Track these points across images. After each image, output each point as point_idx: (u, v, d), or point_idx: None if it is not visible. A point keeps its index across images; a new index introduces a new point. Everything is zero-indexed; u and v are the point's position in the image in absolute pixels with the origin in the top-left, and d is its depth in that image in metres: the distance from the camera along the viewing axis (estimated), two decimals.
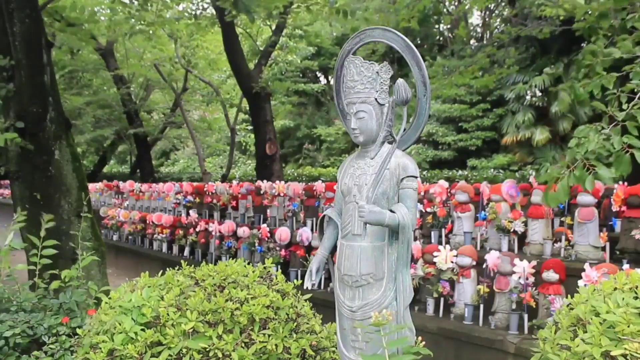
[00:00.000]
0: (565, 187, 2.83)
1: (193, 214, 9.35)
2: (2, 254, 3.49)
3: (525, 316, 4.66)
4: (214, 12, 10.76)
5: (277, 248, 7.12)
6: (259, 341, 2.36)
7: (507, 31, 7.82)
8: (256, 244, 7.39)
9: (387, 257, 2.26)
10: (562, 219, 5.74)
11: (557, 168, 3.05)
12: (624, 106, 2.97)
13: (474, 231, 5.94)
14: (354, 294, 2.29)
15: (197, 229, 8.79)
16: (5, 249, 3.52)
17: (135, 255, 10.67)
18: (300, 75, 22.53)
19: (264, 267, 2.79)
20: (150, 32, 10.00)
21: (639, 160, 2.71)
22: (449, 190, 6.42)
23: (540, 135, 15.38)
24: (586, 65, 3.80)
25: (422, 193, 6.44)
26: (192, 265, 2.76)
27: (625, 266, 4.28)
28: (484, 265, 5.05)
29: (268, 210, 8.09)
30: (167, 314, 2.35)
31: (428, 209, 6.30)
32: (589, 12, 4.91)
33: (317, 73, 23.91)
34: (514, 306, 4.73)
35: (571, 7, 5.59)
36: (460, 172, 14.72)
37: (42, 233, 3.54)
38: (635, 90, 3.13)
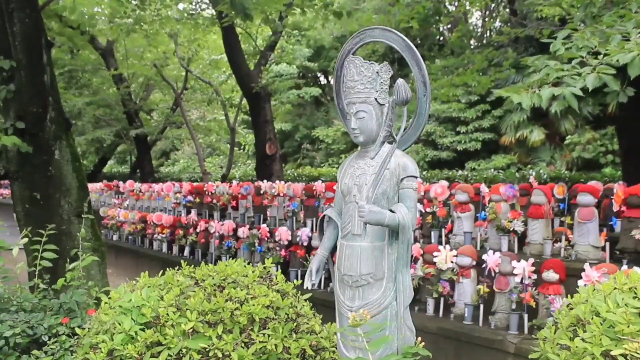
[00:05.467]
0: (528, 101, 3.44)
1: (193, 214, 9.34)
2: None
3: (525, 316, 4.66)
4: (214, 13, 10.75)
5: (277, 248, 7.12)
6: (259, 341, 2.36)
7: (506, 32, 7.82)
8: (256, 244, 7.38)
9: (387, 257, 2.27)
10: (562, 219, 5.73)
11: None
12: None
13: (474, 231, 5.94)
14: (354, 294, 2.29)
15: (197, 229, 8.79)
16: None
17: (135, 255, 10.67)
18: (300, 75, 22.50)
19: (264, 267, 2.78)
20: (149, 31, 9.97)
21: (607, 81, 3.23)
22: (449, 187, 6.42)
23: (538, 135, 15.39)
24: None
25: (422, 193, 6.44)
26: (192, 265, 2.76)
27: (624, 267, 4.27)
28: (484, 265, 5.05)
29: (268, 210, 8.08)
30: (167, 314, 2.35)
31: (428, 209, 6.29)
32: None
33: (317, 74, 23.89)
34: (514, 306, 4.73)
35: None
36: (460, 172, 14.70)
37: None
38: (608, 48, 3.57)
